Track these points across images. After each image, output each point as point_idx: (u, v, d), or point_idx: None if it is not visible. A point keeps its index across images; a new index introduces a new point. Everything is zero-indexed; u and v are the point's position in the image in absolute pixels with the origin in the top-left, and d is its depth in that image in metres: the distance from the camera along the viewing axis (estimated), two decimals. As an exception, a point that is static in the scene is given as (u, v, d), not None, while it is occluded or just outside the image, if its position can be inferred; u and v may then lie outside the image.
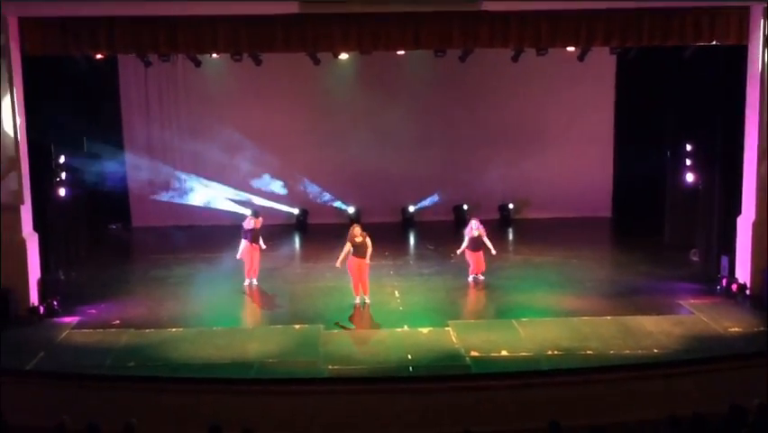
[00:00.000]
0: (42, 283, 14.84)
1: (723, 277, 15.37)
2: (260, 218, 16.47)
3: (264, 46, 15.10)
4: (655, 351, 12.56)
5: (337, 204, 21.69)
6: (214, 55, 16.94)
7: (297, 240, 20.83)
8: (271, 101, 20.87)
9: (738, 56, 14.81)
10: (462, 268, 16.49)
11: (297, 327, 13.87)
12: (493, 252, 16.17)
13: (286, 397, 11.14)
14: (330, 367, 12.16)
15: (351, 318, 14.45)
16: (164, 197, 21.30)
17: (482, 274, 16.28)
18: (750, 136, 14.82)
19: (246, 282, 16.20)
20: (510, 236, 20.83)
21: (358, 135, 20.77)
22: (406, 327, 13.76)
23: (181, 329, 13.81)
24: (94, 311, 14.79)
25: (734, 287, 14.91)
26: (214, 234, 20.08)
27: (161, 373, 11.93)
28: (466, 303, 15.69)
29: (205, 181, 21.27)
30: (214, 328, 13.87)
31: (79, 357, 12.57)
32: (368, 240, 14.90)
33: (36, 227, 14.97)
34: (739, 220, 15.23)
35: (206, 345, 13.01)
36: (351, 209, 21.44)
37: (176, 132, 21.12)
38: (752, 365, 11.50)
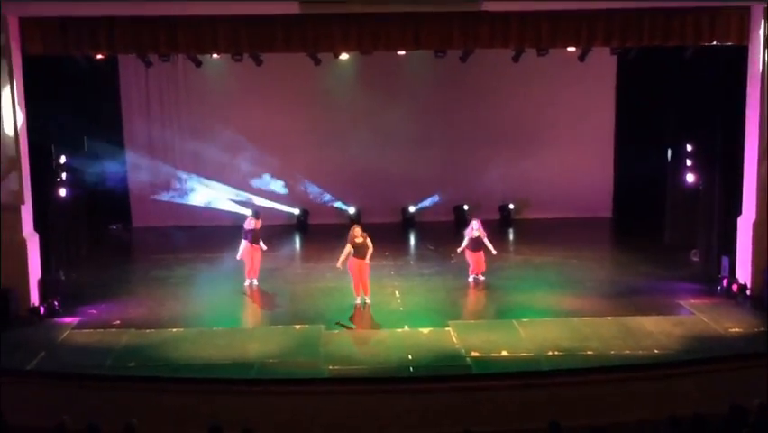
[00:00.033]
0: (43, 283, 14.85)
1: (723, 277, 15.36)
2: (256, 219, 16.48)
3: (264, 46, 15.10)
4: (656, 351, 12.56)
5: (338, 204, 21.68)
6: (215, 55, 16.95)
7: (297, 240, 20.83)
8: (272, 101, 20.87)
9: (739, 56, 14.81)
10: (463, 268, 16.49)
11: (298, 327, 13.87)
12: (493, 252, 16.17)
13: (286, 397, 11.14)
14: (330, 367, 12.17)
15: (351, 319, 14.45)
16: (164, 197, 21.31)
17: (482, 274, 16.28)
18: (750, 136, 14.82)
19: (246, 283, 16.21)
20: (510, 236, 20.83)
21: (358, 135, 20.77)
22: (406, 328, 13.76)
23: (182, 329, 13.82)
24: (94, 311, 14.79)
25: (734, 287, 14.90)
26: (215, 234, 20.08)
27: (162, 374, 11.93)
28: (466, 303, 15.69)
29: (206, 181, 21.27)
30: (215, 329, 13.87)
31: (80, 357, 12.57)
32: (368, 241, 14.90)
33: (37, 227, 14.98)
34: (740, 220, 15.23)
35: (207, 346, 13.02)
36: (351, 209, 21.44)
37: (176, 132, 21.12)
38: (752, 366, 11.49)
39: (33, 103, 14.68)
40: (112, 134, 20.17)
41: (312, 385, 11.51)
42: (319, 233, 20.56)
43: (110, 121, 20.26)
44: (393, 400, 11.02)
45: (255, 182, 21.27)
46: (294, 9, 14.00)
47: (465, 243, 16.16)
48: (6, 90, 13.96)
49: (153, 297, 15.72)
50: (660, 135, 19.10)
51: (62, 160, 16.60)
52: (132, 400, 10.87)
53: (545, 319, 14.03)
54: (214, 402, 10.75)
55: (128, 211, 21.46)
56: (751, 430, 8.26)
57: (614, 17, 14.49)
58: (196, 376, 11.81)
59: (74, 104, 17.20)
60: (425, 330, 13.60)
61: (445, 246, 18.49)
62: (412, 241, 20.86)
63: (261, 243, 16.20)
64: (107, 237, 20.68)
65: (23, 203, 14.41)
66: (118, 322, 14.18)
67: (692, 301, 14.84)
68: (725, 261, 15.52)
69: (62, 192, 16.68)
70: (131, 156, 20.84)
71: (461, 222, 19.75)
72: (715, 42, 14.64)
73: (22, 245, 14.33)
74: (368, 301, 14.96)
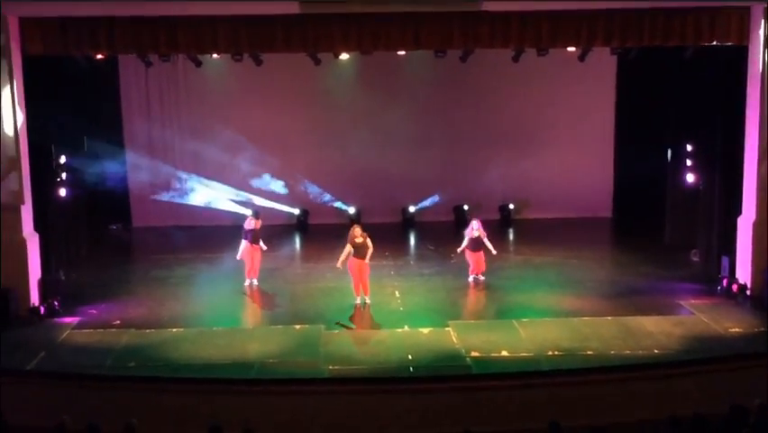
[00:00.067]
0: (43, 283, 14.85)
1: (723, 277, 15.36)
2: (257, 219, 16.48)
3: (265, 46, 15.09)
4: (656, 351, 12.56)
5: (338, 204, 21.68)
6: (215, 55, 16.95)
7: (297, 240, 20.82)
8: (272, 101, 20.87)
9: (739, 56, 14.81)
10: (463, 268, 16.49)
11: (298, 327, 13.87)
12: (493, 252, 16.17)
13: (286, 397, 11.14)
14: (330, 367, 12.16)
15: (351, 319, 14.45)
16: (164, 197, 21.31)
17: (482, 274, 16.28)
18: (750, 136, 14.82)
19: (246, 283, 16.21)
20: (510, 237, 20.83)
21: (358, 135, 20.77)
22: (406, 328, 13.76)
23: (182, 329, 13.82)
24: (94, 311, 14.79)
25: (734, 287, 14.90)
26: (215, 234, 20.08)
27: (162, 374, 11.93)
28: (466, 303, 15.69)
29: (206, 181, 21.27)
30: (215, 329, 13.87)
31: (80, 357, 12.57)
32: (368, 241, 14.90)
33: (37, 227, 14.97)
34: (740, 220, 15.22)
35: (207, 346, 13.02)
36: (351, 209, 21.44)
37: (176, 132, 21.13)
38: (752, 366, 11.49)
39: (33, 103, 14.68)
40: (112, 134, 20.17)
41: (312, 385, 11.50)
42: (319, 233, 20.56)
43: (110, 121, 20.26)
44: (393, 400, 11.02)
45: (255, 182, 21.27)
46: (294, 9, 14.00)
47: (465, 242, 16.16)
48: (6, 90, 13.96)
49: (153, 297, 15.72)
50: (660, 135, 19.10)
51: (62, 160, 16.60)
52: (132, 400, 10.87)
53: (545, 319, 14.03)
54: (214, 402, 10.75)
55: (128, 211, 21.46)
56: (751, 430, 8.26)
57: (614, 17, 14.49)
58: (197, 376, 11.81)
59: (74, 104, 17.21)
60: (425, 330, 13.60)
61: (445, 246, 18.49)
62: (412, 241, 20.86)
63: (262, 243, 16.20)
64: (107, 237, 20.68)
65: (23, 203, 14.41)
66: (118, 322, 14.18)
67: (692, 301, 14.84)
68: (725, 261, 15.52)
69: (62, 192, 16.68)
70: (131, 156, 20.85)
71: (462, 222, 19.75)
72: (715, 42, 14.64)
73: (22, 245, 14.33)
74: (368, 301, 14.96)
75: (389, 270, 17.26)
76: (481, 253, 16.14)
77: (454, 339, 13.18)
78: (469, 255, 16.20)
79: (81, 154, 17.90)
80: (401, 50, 15.95)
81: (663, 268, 17.03)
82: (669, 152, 18.79)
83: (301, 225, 21.36)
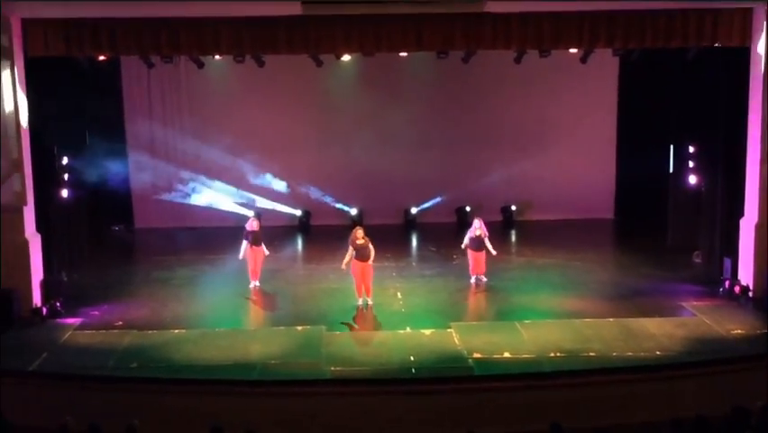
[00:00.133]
0: (45, 284, 14.86)
1: (726, 279, 15.34)
2: (258, 220, 16.47)
3: (267, 47, 15.10)
4: (658, 353, 12.54)
5: (340, 205, 21.69)
6: (217, 56, 16.98)
7: (299, 241, 20.83)
8: (274, 102, 20.89)
9: (741, 57, 14.80)
10: (464, 270, 16.48)
11: (300, 328, 13.87)
12: (493, 253, 16.16)
13: (288, 398, 11.14)
14: (332, 369, 12.15)
15: (353, 320, 14.45)
16: (167, 198, 21.32)
17: (484, 276, 16.28)
18: (753, 138, 14.81)
19: (251, 285, 16.18)
20: (513, 238, 20.83)
21: (360, 137, 20.77)
22: (408, 329, 13.76)
23: (184, 331, 13.82)
24: (96, 312, 14.79)
25: (736, 289, 14.89)
26: (217, 235, 20.08)
27: (164, 375, 11.93)
28: (468, 305, 15.69)
29: (208, 183, 21.29)
30: (217, 330, 13.88)
31: (82, 358, 12.57)
32: (369, 244, 14.89)
33: (39, 228, 14.98)
34: (742, 222, 15.21)
35: (209, 347, 13.02)
36: (353, 211, 21.44)
37: (178, 133, 21.14)
38: (754, 367, 11.48)
39: (36, 104, 14.69)
40: (114, 135, 20.18)
41: (314, 386, 11.49)
42: (321, 234, 20.58)
43: (112, 122, 20.28)
44: (395, 401, 11.01)
45: (257, 183, 21.28)
46: (296, 10, 14.01)
47: (466, 241, 16.18)
48: (9, 91, 13.97)
49: (155, 298, 15.72)
50: (662, 137, 19.11)
51: (65, 161, 16.64)
52: (135, 401, 10.87)
53: (548, 321, 14.02)
54: (216, 404, 10.76)
55: (130, 212, 21.47)
56: (753, 432, 8.25)
57: (616, 18, 14.48)
58: (199, 377, 11.81)
59: (76, 105, 17.25)
60: (427, 331, 13.60)
61: (447, 248, 18.50)
62: (414, 242, 20.86)
63: (264, 246, 16.19)
64: (109, 238, 20.68)
65: (26, 204, 14.43)
66: (120, 323, 14.19)
67: (694, 303, 14.82)
68: (727, 262, 15.50)
69: (64, 193, 16.71)
70: (133, 157, 20.86)
71: (464, 223, 19.74)
72: (717, 44, 14.63)
73: (24, 246, 14.34)
74: (370, 303, 14.96)
75: (391, 271, 17.26)
76: (483, 253, 16.12)
77: (456, 340, 13.17)
78: (470, 254, 16.21)
79: (83, 155, 17.94)
80: (403, 51, 15.98)
81: (665, 270, 17.02)
82: (671, 153, 18.78)
83: (303, 227, 21.37)
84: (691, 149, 17.63)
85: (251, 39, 14.60)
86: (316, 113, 21.00)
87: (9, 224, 14.15)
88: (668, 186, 18.99)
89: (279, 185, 21.40)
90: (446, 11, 14.27)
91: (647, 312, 14.33)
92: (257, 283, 16.22)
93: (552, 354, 12.52)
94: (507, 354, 12.56)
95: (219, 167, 21.08)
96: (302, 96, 20.79)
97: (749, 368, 11.57)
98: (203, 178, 21.24)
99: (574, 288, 15.93)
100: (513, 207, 21.62)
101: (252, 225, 16.23)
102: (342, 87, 20.46)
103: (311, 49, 15.18)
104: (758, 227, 14.71)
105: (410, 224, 21.57)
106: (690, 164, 17.68)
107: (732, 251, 15.46)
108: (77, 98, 17.49)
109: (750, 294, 14.71)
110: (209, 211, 21.32)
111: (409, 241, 20.89)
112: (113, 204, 20.60)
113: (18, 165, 14.16)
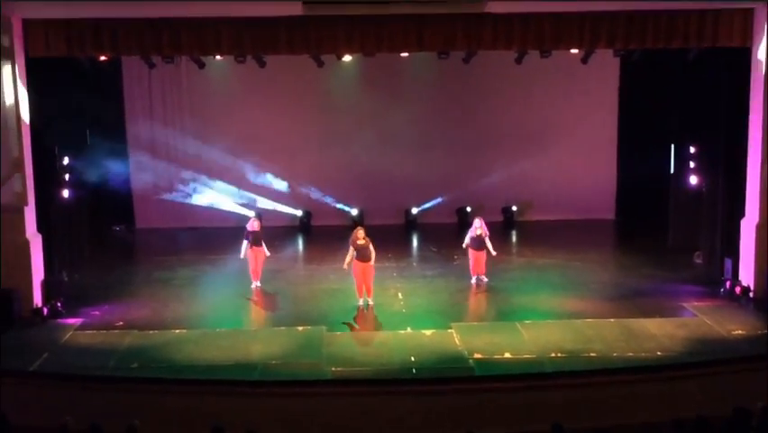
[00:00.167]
0: (46, 284, 14.87)
1: (726, 279, 15.34)
2: (259, 221, 16.46)
3: (268, 48, 15.11)
4: (659, 353, 12.53)
5: (340, 206, 21.69)
6: (218, 57, 16.98)
7: (300, 242, 20.84)
8: (275, 103, 20.91)
9: (742, 58, 14.80)
10: (465, 270, 16.48)
11: (301, 328, 13.86)
12: (493, 253, 16.16)
13: (289, 398, 11.14)
14: (333, 369, 12.15)
15: (354, 320, 14.45)
16: (168, 198, 21.32)
17: (485, 276, 16.27)
18: (754, 138, 14.81)
19: (253, 286, 16.18)
20: (513, 238, 20.83)
21: (361, 137, 20.78)
22: (409, 329, 13.76)
23: (185, 331, 13.82)
24: (97, 312, 14.80)
25: (737, 289, 14.88)
26: (218, 235, 20.09)
27: (165, 375, 11.93)
28: (469, 305, 15.70)
29: (209, 183, 21.29)
30: (218, 330, 13.88)
31: (83, 358, 12.57)
32: (370, 245, 14.89)
33: (40, 229, 14.99)
34: (743, 223, 15.21)
35: (210, 347, 13.02)
36: (354, 211, 21.45)
37: (179, 133, 21.15)
38: (755, 368, 11.47)
39: (37, 104, 14.70)
40: (115, 136, 20.19)
41: (315, 387, 11.50)
42: (322, 234, 20.59)
43: (113, 122, 20.27)
44: (396, 401, 11.01)
45: (258, 183, 21.28)
46: (297, 10, 14.01)
47: (467, 240, 16.19)
48: (10, 91, 13.98)
49: (156, 298, 15.73)
50: (663, 137, 19.10)
51: (65, 161, 16.64)
52: (135, 401, 10.87)
53: (548, 321, 14.02)
54: (217, 404, 10.75)
55: (131, 212, 21.48)
56: (754, 433, 8.26)
57: (617, 19, 14.48)
58: (200, 378, 11.81)
59: (77, 105, 17.23)
60: (428, 332, 13.60)
61: (448, 248, 18.51)
62: (415, 243, 20.87)
63: (265, 248, 16.19)
64: (110, 238, 20.69)
65: (27, 204, 14.43)
66: (121, 323, 14.19)
67: (695, 303, 14.81)
68: (728, 263, 15.50)
69: (65, 193, 16.71)
70: (134, 157, 20.87)
71: (464, 224, 19.72)
72: (718, 44, 14.62)
73: (25, 246, 14.35)
74: (371, 303, 14.96)
75: (392, 271, 17.26)
76: (483, 253, 16.12)
77: (457, 341, 13.16)
78: (471, 254, 16.21)
79: (84, 155, 17.94)
80: (404, 51, 15.98)
81: (666, 270, 17.01)
82: (672, 154, 18.77)
83: (304, 227, 21.37)
84: (692, 149, 17.62)
85: (252, 39, 14.61)
86: (317, 113, 21.01)
87: (10, 224, 14.17)
88: (669, 186, 18.98)
89: (280, 185, 21.41)
90: (447, 11, 14.28)
91: (648, 313, 14.32)
92: (258, 283, 16.23)
93: (552, 355, 12.52)
94: (507, 355, 12.56)
95: (220, 167, 21.09)
96: (303, 96, 20.80)
97: (750, 369, 11.56)
98: (204, 178, 21.26)
99: (575, 288, 15.93)
100: (514, 208, 21.62)
101: (253, 225, 16.24)
102: (343, 87, 20.47)
103: (312, 49, 15.17)
104: (759, 228, 14.72)
105: (411, 224, 21.57)
106: (691, 165, 17.68)
107: (733, 251, 15.46)
108: (78, 98, 17.46)
109: (751, 295, 14.71)
110: (210, 211, 21.33)
111: (410, 241, 20.89)
112: (114, 204, 20.62)
113: (19, 165, 14.17)
